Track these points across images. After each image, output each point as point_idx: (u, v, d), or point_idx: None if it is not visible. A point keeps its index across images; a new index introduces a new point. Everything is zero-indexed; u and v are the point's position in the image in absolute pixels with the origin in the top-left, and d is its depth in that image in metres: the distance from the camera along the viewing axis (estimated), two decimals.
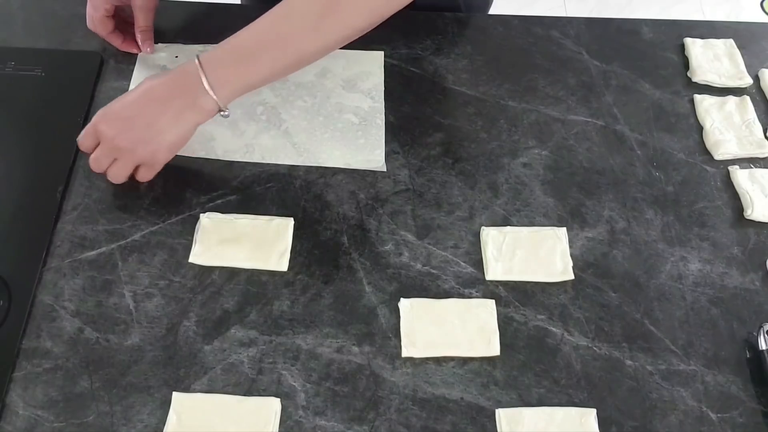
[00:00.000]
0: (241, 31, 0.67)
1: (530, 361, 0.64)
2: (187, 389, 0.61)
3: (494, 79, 0.83)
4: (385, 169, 0.75)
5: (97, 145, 0.69)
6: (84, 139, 0.70)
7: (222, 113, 0.68)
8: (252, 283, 0.67)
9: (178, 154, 0.73)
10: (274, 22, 0.66)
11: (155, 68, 0.81)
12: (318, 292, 0.67)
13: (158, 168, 0.71)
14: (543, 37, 0.87)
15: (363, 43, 0.83)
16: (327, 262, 0.69)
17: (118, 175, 0.70)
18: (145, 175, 0.71)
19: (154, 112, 0.67)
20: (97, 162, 0.69)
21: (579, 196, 0.75)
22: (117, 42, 0.81)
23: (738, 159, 0.78)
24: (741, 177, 0.76)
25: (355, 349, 0.64)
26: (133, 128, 0.67)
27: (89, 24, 0.80)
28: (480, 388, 0.63)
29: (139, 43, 0.81)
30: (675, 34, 0.89)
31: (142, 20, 0.80)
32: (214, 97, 0.66)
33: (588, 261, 0.71)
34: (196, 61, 0.66)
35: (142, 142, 0.67)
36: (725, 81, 0.84)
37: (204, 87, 0.65)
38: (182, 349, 0.64)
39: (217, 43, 0.83)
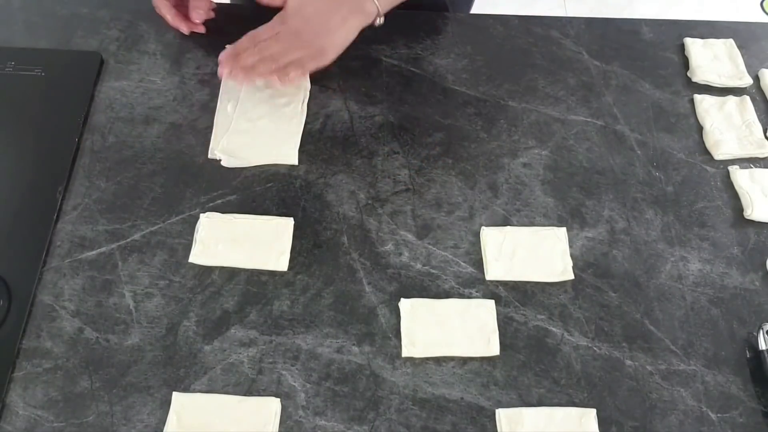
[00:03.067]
0: None
1: (530, 361, 0.64)
2: (187, 389, 0.61)
3: (494, 79, 0.83)
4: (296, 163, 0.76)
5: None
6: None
7: (379, 19, 0.77)
8: (252, 283, 0.67)
9: (179, 154, 0.73)
10: None
11: None
12: (318, 292, 0.67)
13: (322, 64, 0.75)
14: (543, 37, 0.87)
15: (365, 43, 0.83)
16: (327, 262, 0.69)
17: (287, 57, 0.74)
18: (305, 71, 0.75)
19: (328, 10, 0.75)
20: (260, 39, 0.75)
21: (579, 196, 0.75)
22: (170, 15, 0.82)
23: (738, 159, 0.78)
24: (741, 177, 0.76)
25: (355, 349, 0.64)
26: (310, 20, 0.74)
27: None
28: (480, 388, 0.63)
29: (191, 12, 0.82)
30: (675, 34, 0.89)
31: None
32: (377, 2, 0.75)
33: (588, 261, 0.71)
34: None
35: (315, 34, 0.74)
36: (725, 81, 0.84)
37: None
38: (182, 349, 0.64)
39: (220, 42, 0.83)
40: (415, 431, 0.61)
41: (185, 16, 0.83)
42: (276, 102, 0.79)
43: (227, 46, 0.79)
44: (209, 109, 0.79)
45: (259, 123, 0.78)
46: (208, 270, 0.68)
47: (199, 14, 0.83)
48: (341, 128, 0.78)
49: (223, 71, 0.75)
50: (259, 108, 0.79)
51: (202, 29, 0.84)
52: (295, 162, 0.75)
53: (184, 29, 0.83)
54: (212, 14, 0.85)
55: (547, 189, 0.75)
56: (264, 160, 0.75)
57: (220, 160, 0.74)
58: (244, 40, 0.76)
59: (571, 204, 0.74)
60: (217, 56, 0.82)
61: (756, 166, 0.78)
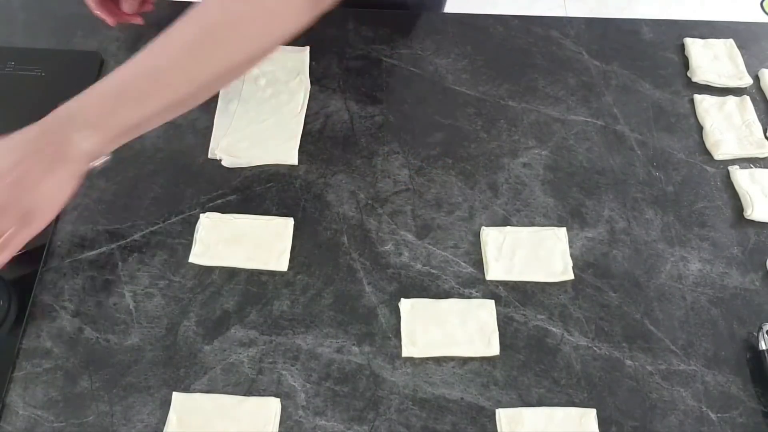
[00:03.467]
0: (116, 69, 0.60)
1: (530, 361, 0.64)
2: (187, 389, 0.61)
3: (494, 79, 0.83)
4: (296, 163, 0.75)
5: None
6: None
7: (102, 159, 0.61)
8: (252, 283, 0.67)
9: (179, 154, 0.73)
10: (146, 55, 0.59)
11: None
12: (318, 292, 0.67)
13: (36, 231, 0.58)
14: (543, 37, 0.87)
15: (365, 43, 0.83)
16: (327, 262, 0.69)
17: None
18: (17, 246, 0.58)
19: (23, 165, 0.56)
20: None
21: (579, 196, 0.75)
22: (92, 2, 0.76)
23: (738, 159, 0.78)
24: (741, 177, 0.76)
25: (355, 349, 0.64)
26: (15, 187, 0.56)
27: None
28: (480, 388, 0.63)
29: (122, 3, 0.76)
30: (675, 34, 0.89)
31: None
32: (89, 141, 0.58)
33: (588, 261, 0.70)
34: (64, 105, 0.59)
35: (17, 198, 0.56)
36: (725, 81, 0.84)
37: (76, 133, 0.57)
38: (182, 349, 0.64)
39: None
40: (415, 431, 0.61)
41: (117, 8, 0.78)
42: (276, 102, 0.79)
43: None
44: (209, 109, 0.78)
45: (259, 123, 0.78)
46: (208, 270, 0.68)
47: (130, 5, 0.78)
48: (341, 128, 0.78)
49: None
50: (259, 108, 0.79)
51: (138, 20, 0.80)
52: (295, 162, 0.75)
53: (110, 21, 0.78)
54: (149, 7, 0.81)
55: (547, 189, 0.75)
56: (264, 160, 0.75)
57: (220, 160, 0.74)
58: None
59: (571, 204, 0.74)
60: None
61: (756, 166, 0.78)
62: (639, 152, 0.78)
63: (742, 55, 0.86)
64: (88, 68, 0.80)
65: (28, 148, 0.57)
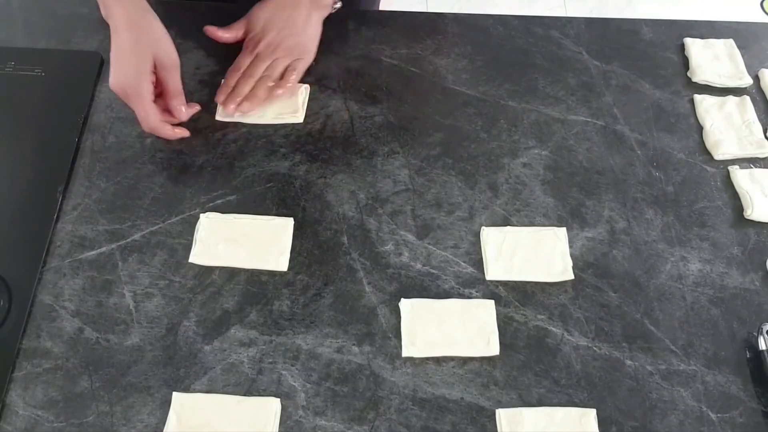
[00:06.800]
0: None
1: (530, 361, 0.64)
2: (187, 389, 0.61)
3: (494, 79, 0.83)
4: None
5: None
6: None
7: (337, 4, 0.83)
8: (252, 283, 0.68)
9: (179, 154, 0.73)
10: None
11: None
12: (318, 292, 0.67)
13: (309, 61, 0.81)
14: (543, 37, 0.87)
15: (365, 43, 0.84)
16: (327, 262, 0.69)
17: (277, 70, 0.78)
18: (300, 73, 0.79)
19: (293, 14, 0.80)
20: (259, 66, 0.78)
21: (579, 196, 0.75)
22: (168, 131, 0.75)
23: (738, 159, 0.78)
24: (741, 177, 0.76)
25: (355, 349, 0.64)
26: (281, 29, 0.79)
27: (147, 125, 0.72)
28: (480, 388, 0.63)
29: (177, 110, 0.74)
30: (675, 34, 0.89)
31: (172, 83, 0.73)
32: None
33: (588, 261, 0.70)
34: None
35: (291, 38, 0.79)
36: (725, 81, 0.84)
37: None
38: (182, 349, 0.64)
39: (219, 43, 0.83)
40: (415, 431, 0.61)
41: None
42: (276, 102, 0.79)
43: (224, 78, 0.79)
44: (209, 109, 0.79)
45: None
46: (208, 270, 0.68)
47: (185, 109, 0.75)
48: (341, 128, 0.78)
49: (227, 109, 0.76)
50: (258, 108, 0.79)
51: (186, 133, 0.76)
52: (301, 120, 0.78)
53: (181, 134, 0.76)
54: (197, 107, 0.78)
55: (547, 189, 0.75)
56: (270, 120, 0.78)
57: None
58: (230, 76, 0.78)
59: (571, 204, 0.74)
60: (216, 56, 0.83)
61: (756, 166, 0.78)
62: (639, 152, 0.78)
63: (742, 55, 0.86)
64: (88, 68, 0.80)
65: (291, 2, 0.80)
